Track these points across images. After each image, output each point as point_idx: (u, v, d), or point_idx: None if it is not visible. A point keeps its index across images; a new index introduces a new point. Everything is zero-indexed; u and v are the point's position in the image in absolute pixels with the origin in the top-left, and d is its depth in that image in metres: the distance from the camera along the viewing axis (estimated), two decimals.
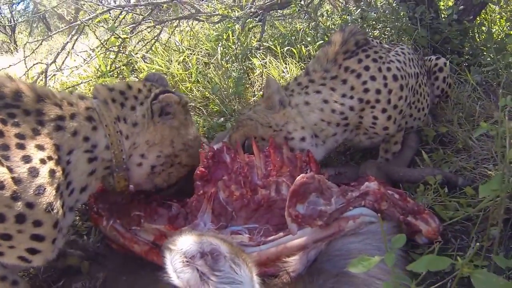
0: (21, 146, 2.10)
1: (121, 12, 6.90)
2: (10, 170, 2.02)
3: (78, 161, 2.38)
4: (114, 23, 6.51)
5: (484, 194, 2.10)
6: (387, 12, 5.04)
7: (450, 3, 5.68)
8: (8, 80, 2.29)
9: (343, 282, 2.05)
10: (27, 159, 2.09)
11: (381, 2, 5.77)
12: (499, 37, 5.03)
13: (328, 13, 6.60)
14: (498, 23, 5.81)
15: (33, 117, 2.23)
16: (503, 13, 5.83)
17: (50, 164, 2.16)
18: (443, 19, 4.77)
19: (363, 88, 3.10)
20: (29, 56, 6.49)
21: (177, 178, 2.98)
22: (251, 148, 2.93)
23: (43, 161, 2.13)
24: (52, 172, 2.15)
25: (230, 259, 1.66)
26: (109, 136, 2.53)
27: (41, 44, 7.24)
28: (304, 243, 2.31)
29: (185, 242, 1.65)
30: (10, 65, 6.25)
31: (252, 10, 6.28)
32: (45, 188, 2.11)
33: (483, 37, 5.03)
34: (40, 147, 2.16)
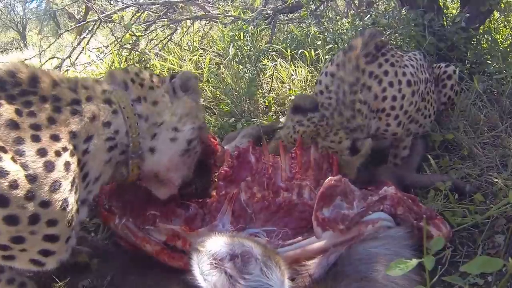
0: (36, 138, 1.97)
1: (138, 10, 6.98)
2: (25, 166, 1.89)
3: (97, 150, 2.24)
4: (130, 20, 6.58)
5: None
6: (396, 18, 5.13)
7: (454, 11, 5.79)
8: (23, 66, 2.19)
9: (365, 287, 2.05)
10: (42, 152, 1.96)
11: (390, 9, 5.86)
12: (502, 45, 5.11)
13: (337, 18, 6.70)
14: (502, 32, 5.90)
15: (50, 104, 2.11)
16: (506, 22, 5.95)
17: (65, 156, 2.03)
18: (449, 27, 4.86)
19: (382, 96, 3.16)
20: (44, 51, 6.54)
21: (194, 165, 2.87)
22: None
23: (58, 153, 2.00)
24: (67, 165, 2.02)
25: (262, 262, 1.62)
26: (128, 118, 2.40)
27: (57, 39, 7.31)
28: (325, 247, 2.30)
29: (214, 244, 1.62)
30: (25, 59, 6.30)
31: (265, 12, 6.36)
32: (60, 183, 1.98)
33: (485, 46, 5.10)
34: (55, 137, 2.04)
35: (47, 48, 6.86)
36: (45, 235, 1.99)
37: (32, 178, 1.89)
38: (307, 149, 2.86)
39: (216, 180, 2.93)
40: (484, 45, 5.13)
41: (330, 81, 3.23)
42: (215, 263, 1.59)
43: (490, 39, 5.06)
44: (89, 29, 6.78)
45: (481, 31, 5.18)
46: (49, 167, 1.95)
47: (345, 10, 8.00)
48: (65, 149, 2.04)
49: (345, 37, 5.53)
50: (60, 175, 1.98)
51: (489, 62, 4.85)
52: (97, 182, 2.35)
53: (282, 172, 2.79)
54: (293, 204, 2.61)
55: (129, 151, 2.45)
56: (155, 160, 2.58)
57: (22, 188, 1.86)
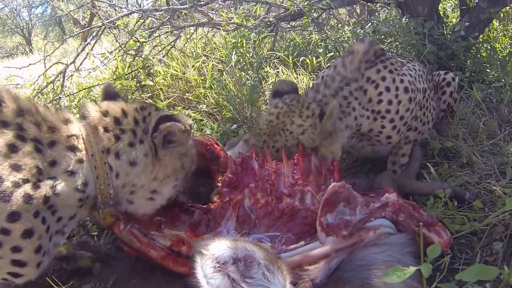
0: None
1: (141, 16, 7.02)
2: None
3: (64, 194, 2.14)
4: (134, 26, 6.62)
5: (510, 207, 2.19)
6: (397, 26, 5.17)
7: (454, 20, 5.84)
8: None
9: None
10: None
11: (391, 17, 5.91)
12: (501, 54, 5.14)
13: (339, 26, 6.74)
14: (501, 41, 5.95)
15: (13, 130, 2.02)
16: (505, 31, 6.00)
17: (25, 188, 1.96)
18: (449, 36, 4.91)
19: (378, 99, 3.22)
20: (48, 55, 6.58)
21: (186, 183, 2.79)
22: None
23: (16, 184, 1.94)
24: (27, 197, 1.96)
25: (264, 266, 1.65)
26: (95, 168, 2.24)
27: (62, 44, 7.34)
28: (327, 252, 2.30)
29: (218, 247, 1.64)
30: (30, 64, 6.34)
31: (267, 20, 6.40)
32: (20, 214, 1.94)
33: (485, 54, 5.16)
34: (16, 167, 1.97)
35: (51, 53, 6.89)
36: (12, 259, 2.03)
37: None
38: (308, 156, 2.87)
39: (220, 185, 2.94)
40: (483, 54, 5.19)
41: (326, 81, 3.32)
42: (218, 267, 1.61)
43: (489, 48, 5.10)
44: (94, 34, 6.82)
45: (480, 40, 5.23)
46: (4, 197, 1.92)
47: (347, 18, 8.05)
48: (26, 180, 1.98)
49: (346, 45, 5.57)
50: (18, 207, 1.94)
51: (488, 70, 4.92)
52: (73, 219, 2.30)
53: (285, 178, 2.78)
54: (296, 209, 2.62)
55: (98, 202, 2.34)
56: (133, 208, 2.55)
57: None
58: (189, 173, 2.72)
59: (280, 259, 1.75)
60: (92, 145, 2.25)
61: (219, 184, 2.99)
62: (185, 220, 2.72)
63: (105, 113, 2.39)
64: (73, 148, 2.20)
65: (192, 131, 3.09)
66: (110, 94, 2.62)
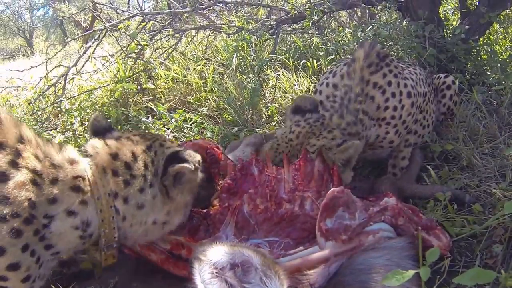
0: None
1: (143, 19, 7.04)
2: None
3: (63, 233, 2.08)
4: (136, 29, 6.63)
5: (509, 210, 2.18)
6: (397, 29, 5.18)
7: (454, 23, 5.85)
8: None
9: None
10: None
11: (392, 20, 5.92)
12: (502, 57, 5.15)
13: (340, 29, 6.75)
14: (501, 43, 5.95)
15: (7, 155, 1.93)
16: (506, 34, 6.00)
17: (13, 223, 1.87)
18: (449, 38, 4.92)
19: (385, 106, 3.21)
20: (50, 59, 6.59)
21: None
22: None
23: (3, 219, 1.84)
24: (16, 233, 1.88)
25: (261, 271, 1.65)
26: (101, 212, 2.16)
27: (64, 47, 7.36)
28: (326, 256, 2.29)
29: (215, 253, 1.65)
30: (31, 67, 6.36)
31: (268, 23, 6.41)
32: (4, 250, 1.87)
33: (485, 57, 5.17)
34: (4, 199, 1.86)
35: (53, 56, 6.89)
36: None
37: None
38: (311, 161, 2.86)
39: (219, 189, 2.92)
40: (484, 56, 5.19)
41: (332, 92, 3.30)
42: (216, 272, 1.61)
43: (489, 50, 5.11)
44: (95, 37, 6.84)
45: (481, 42, 5.24)
46: None
47: (348, 21, 8.05)
48: (15, 215, 1.88)
49: (347, 48, 5.59)
50: (4, 242, 1.87)
51: (488, 73, 4.93)
52: (70, 250, 2.25)
53: (285, 183, 2.76)
54: (295, 215, 2.62)
55: (101, 244, 2.27)
56: (145, 239, 2.51)
57: None
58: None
59: (277, 264, 1.74)
60: (98, 188, 2.17)
61: (220, 191, 2.95)
62: (184, 225, 2.69)
63: (115, 156, 2.29)
64: (77, 189, 2.11)
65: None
66: (100, 130, 2.50)
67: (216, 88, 5.53)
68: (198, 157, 2.50)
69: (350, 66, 3.28)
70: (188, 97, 5.74)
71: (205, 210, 2.81)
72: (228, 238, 2.58)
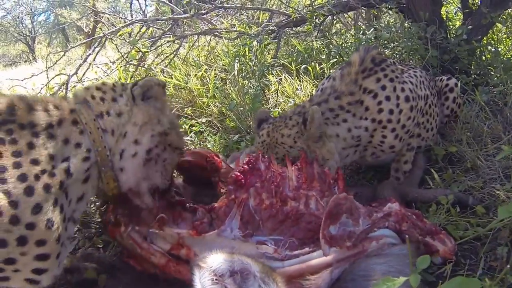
0: (17, 165, 2.07)
1: (143, 26, 7.03)
2: (7, 193, 2.00)
3: (75, 170, 2.31)
4: (136, 36, 6.63)
5: (503, 215, 2.19)
6: (399, 31, 5.16)
7: (458, 23, 5.82)
8: (1, 96, 2.26)
9: None
10: (23, 178, 2.06)
11: (393, 22, 5.90)
12: (505, 56, 5.14)
13: (342, 32, 6.73)
14: (505, 43, 5.93)
15: (28, 130, 2.19)
16: (509, 33, 5.97)
17: (44, 179, 2.12)
18: (452, 39, 4.90)
19: (378, 109, 3.21)
20: (52, 66, 6.60)
21: (172, 167, 2.94)
22: None
23: (37, 177, 2.10)
24: (47, 187, 2.11)
25: (260, 278, 1.70)
26: (91, 134, 2.42)
27: (64, 55, 7.35)
28: (329, 262, 2.30)
29: (215, 260, 1.69)
30: (32, 75, 6.37)
31: (270, 28, 6.40)
32: (42, 206, 2.07)
33: (489, 56, 5.15)
34: (35, 162, 2.13)
35: (54, 63, 6.90)
36: (36, 254, 2.11)
37: (14, 204, 2.00)
38: (311, 163, 2.86)
39: (224, 188, 2.92)
40: (487, 56, 5.16)
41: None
42: (216, 279, 1.64)
43: (493, 50, 5.08)
44: (95, 45, 6.84)
45: (484, 42, 5.21)
46: (29, 192, 2.05)
47: (352, 22, 8.04)
48: (43, 171, 2.13)
49: (349, 51, 5.56)
50: (40, 198, 2.08)
51: (492, 73, 4.89)
52: (81, 201, 2.44)
53: (290, 181, 2.78)
54: (300, 214, 2.62)
55: (98, 165, 2.49)
56: (125, 178, 2.63)
57: (6, 214, 1.98)
58: (171, 140, 2.82)
59: (275, 271, 1.79)
60: (85, 116, 2.44)
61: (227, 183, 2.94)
62: (187, 218, 2.76)
63: (88, 87, 2.65)
64: (75, 122, 2.40)
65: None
66: None
67: (218, 94, 5.51)
68: (164, 82, 2.83)
69: (345, 68, 3.35)
70: (190, 104, 5.71)
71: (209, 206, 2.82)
72: (233, 231, 2.60)
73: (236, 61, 5.65)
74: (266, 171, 2.82)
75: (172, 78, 6.19)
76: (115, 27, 7.28)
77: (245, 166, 2.83)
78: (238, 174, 2.79)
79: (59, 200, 2.18)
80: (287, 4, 7.88)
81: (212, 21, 7.53)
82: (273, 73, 5.80)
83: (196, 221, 2.70)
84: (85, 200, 2.49)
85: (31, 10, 26.85)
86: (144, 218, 2.75)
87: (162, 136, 2.73)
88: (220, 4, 7.50)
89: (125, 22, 7.26)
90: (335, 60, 5.66)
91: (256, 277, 1.70)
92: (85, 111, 2.45)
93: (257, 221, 2.64)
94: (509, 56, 5.05)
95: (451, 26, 5.49)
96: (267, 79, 5.69)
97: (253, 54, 5.86)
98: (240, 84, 5.37)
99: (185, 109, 5.61)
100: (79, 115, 2.43)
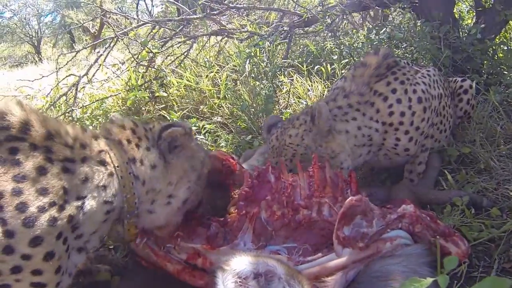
0: (17, 192, 1.89)
1: (154, 26, 7.03)
2: (3, 221, 1.84)
3: (94, 212, 2.15)
4: (147, 37, 6.63)
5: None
6: (412, 31, 5.13)
7: (470, 21, 5.78)
8: (17, 107, 2.06)
9: None
10: (22, 207, 1.88)
11: (405, 22, 5.87)
12: None
13: (353, 31, 6.71)
14: None
15: (42, 153, 2.01)
16: None
17: (51, 212, 1.95)
18: (465, 38, 4.87)
19: (388, 112, 3.20)
20: (60, 68, 6.62)
21: (201, 191, 2.79)
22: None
23: (42, 209, 1.93)
24: (52, 221, 1.95)
25: (285, 280, 1.67)
26: (122, 178, 2.28)
27: (75, 55, 7.38)
28: (344, 263, 2.28)
29: (239, 263, 1.67)
30: (42, 76, 6.38)
31: (280, 29, 6.38)
32: (42, 238, 1.92)
33: (501, 55, 5.12)
34: (43, 191, 1.95)
35: (65, 64, 6.90)
36: (32, 282, 1.99)
37: (10, 234, 1.87)
38: (323, 167, 2.83)
39: (236, 197, 2.93)
40: (500, 55, 5.12)
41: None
42: (240, 282, 1.63)
43: (506, 49, 5.04)
44: (106, 46, 6.84)
45: (497, 41, 5.18)
46: (29, 223, 1.89)
47: (361, 22, 8.01)
48: (52, 204, 1.97)
49: (360, 51, 5.54)
50: (42, 231, 1.92)
51: (505, 72, 4.85)
52: (94, 234, 2.28)
53: (301, 190, 2.74)
54: (313, 221, 2.61)
55: (124, 212, 2.37)
56: (152, 218, 2.56)
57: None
58: (202, 176, 2.73)
59: (301, 273, 1.76)
60: (117, 158, 2.30)
61: (235, 196, 2.99)
62: (201, 233, 2.72)
63: (123, 127, 2.50)
64: (103, 163, 2.25)
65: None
66: None
67: (229, 95, 5.50)
68: (189, 125, 2.74)
69: (358, 68, 3.37)
70: (201, 105, 5.72)
71: (223, 219, 2.82)
72: (246, 245, 2.58)
73: (247, 61, 5.64)
74: (276, 182, 2.81)
75: (182, 79, 6.18)
76: (123, 28, 7.28)
77: (255, 181, 2.84)
78: (248, 190, 2.79)
79: (64, 233, 2.04)
80: (297, 3, 7.84)
81: (222, 21, 7.51)
82: (285, 74, 5.79)
83: (210, 235, 2.70)
84: (99, 234, 2.34)
85: (38, 11, 26.98)
86: (160, 237, 2.73)
87: (197, 180, 2.67)
88: (230, 4, 7.48)
89: (137, 23, 7.27)
90: (346, 60, 5.65)
91: (281, 279, 1.68)
92: (118, 153, 2.34)
93: (270, 232, 2.63)
94: None
95: (464, 25, 5.43)
96: (279, 79, 5.67)
97: (265, 55, 5.84)
98: (252, 84, 5.36)
99: (198, 109, 5.62)
100: (111, 156, 2.30)
